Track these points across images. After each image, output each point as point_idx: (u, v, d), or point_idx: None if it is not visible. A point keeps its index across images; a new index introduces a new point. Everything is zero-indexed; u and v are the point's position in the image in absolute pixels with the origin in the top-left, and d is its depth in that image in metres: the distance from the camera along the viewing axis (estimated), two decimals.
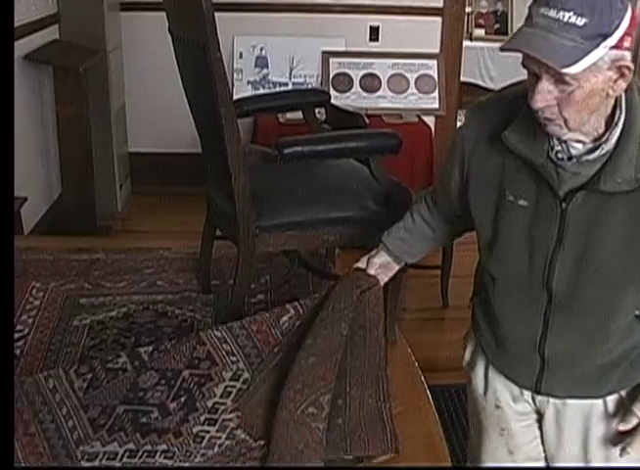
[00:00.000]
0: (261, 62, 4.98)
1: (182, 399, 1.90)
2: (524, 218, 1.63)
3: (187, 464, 1.80)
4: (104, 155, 4.30)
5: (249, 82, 4.96)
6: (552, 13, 1.36)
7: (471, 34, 7.65)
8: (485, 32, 7.77)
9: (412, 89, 5.08)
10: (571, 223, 1.58)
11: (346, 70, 5.05)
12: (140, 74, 4.79)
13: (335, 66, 5.05)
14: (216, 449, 1.83)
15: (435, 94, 5.09)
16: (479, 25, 7.77)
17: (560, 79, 1.40)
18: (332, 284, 1.98)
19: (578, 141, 1.53)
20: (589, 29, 1.35)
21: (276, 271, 2.69)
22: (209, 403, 1.90)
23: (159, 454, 1.81)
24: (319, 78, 5.03)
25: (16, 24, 3.54)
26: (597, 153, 1.52)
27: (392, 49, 5.07)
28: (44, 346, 2.28)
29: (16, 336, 2.29)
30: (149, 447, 1.82)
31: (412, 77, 5.10)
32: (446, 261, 3.76)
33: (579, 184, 1.55)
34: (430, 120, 5.06)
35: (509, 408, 1.89)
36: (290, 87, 4.94)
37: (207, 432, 1.86)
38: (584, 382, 1.75)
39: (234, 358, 1.96)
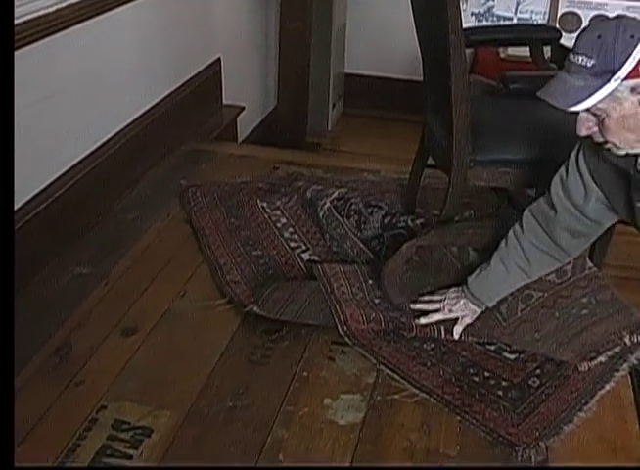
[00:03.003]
0: None
1: None
2: None
3: None
4: (320, 73, 4.33)
5: (472, 14, 4.83)
6: (572, 57, 1.56)
7: None
8: None
9: None
10: None
11: (576, 10, 4.82)
12: None
13: (564, 3, 4.82)
14: None
15: None
16: None
17: (591, 111, 1.58)
18: None
19: None
20: (597, 69, 1.52)
21: (481, 207, 2.64)
22: None
23: None
24: (546, 15, 4.82)
25: None
26: None
27: None
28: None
29: (298, 251, 2.40)
30: None
31: None
32: None
33: None
34: None
35: None
36: (514, 22, 4.78)
37: None
38: None
39: None
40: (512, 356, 1.96)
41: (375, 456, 1.70)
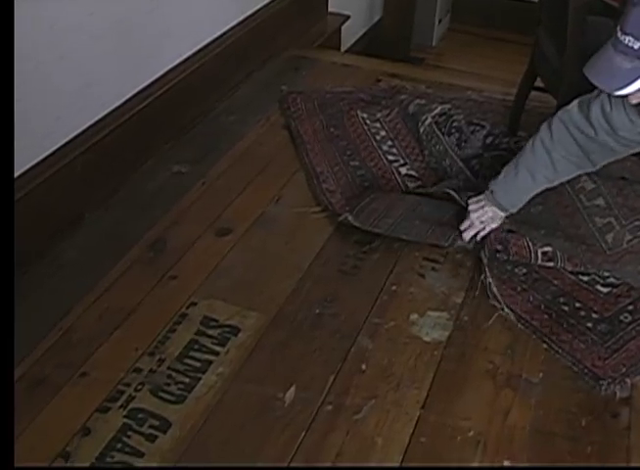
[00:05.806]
0: None
1: None
2: None
3: None
4: None
5: None
6: (619, 35, 1.47)
7: None
8: None
9: None
10: None
11: None
12: None
13: None
14: None
15: None
16: None
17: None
18: None
19: None
20: None
21: None
22: None
23: None
24: None
25: None
26: None
27: None
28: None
29: (396, 165, 2.37)
30: None
31: None
32: None
33: None
34: None
35: None
36: None
37: None
38: None
39: None
40: (605, 290, 1.92)
41: (457, 376, 1.70)
